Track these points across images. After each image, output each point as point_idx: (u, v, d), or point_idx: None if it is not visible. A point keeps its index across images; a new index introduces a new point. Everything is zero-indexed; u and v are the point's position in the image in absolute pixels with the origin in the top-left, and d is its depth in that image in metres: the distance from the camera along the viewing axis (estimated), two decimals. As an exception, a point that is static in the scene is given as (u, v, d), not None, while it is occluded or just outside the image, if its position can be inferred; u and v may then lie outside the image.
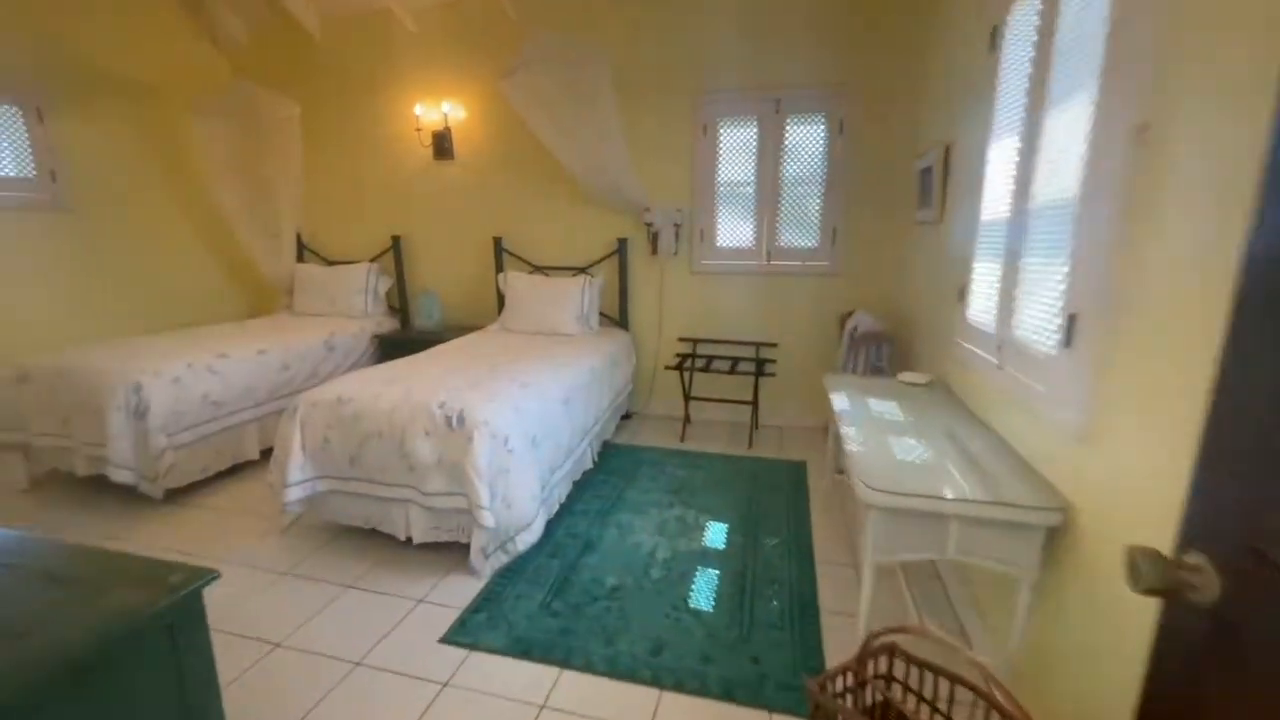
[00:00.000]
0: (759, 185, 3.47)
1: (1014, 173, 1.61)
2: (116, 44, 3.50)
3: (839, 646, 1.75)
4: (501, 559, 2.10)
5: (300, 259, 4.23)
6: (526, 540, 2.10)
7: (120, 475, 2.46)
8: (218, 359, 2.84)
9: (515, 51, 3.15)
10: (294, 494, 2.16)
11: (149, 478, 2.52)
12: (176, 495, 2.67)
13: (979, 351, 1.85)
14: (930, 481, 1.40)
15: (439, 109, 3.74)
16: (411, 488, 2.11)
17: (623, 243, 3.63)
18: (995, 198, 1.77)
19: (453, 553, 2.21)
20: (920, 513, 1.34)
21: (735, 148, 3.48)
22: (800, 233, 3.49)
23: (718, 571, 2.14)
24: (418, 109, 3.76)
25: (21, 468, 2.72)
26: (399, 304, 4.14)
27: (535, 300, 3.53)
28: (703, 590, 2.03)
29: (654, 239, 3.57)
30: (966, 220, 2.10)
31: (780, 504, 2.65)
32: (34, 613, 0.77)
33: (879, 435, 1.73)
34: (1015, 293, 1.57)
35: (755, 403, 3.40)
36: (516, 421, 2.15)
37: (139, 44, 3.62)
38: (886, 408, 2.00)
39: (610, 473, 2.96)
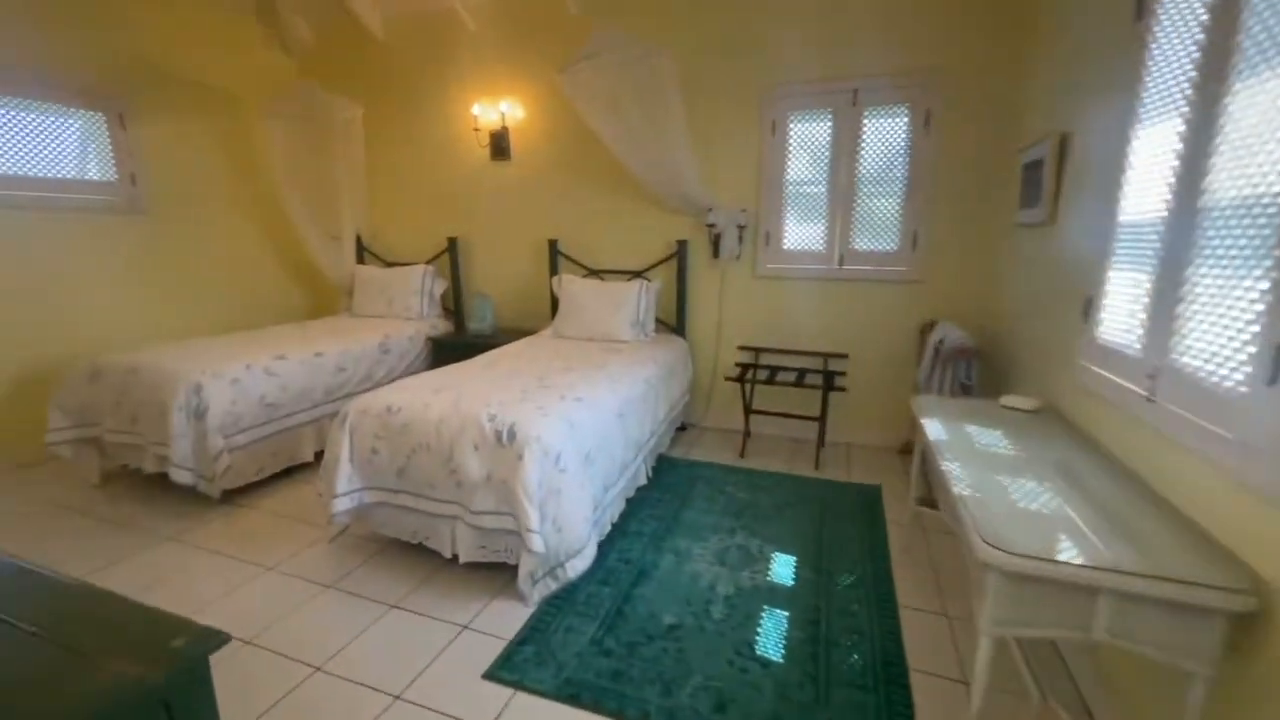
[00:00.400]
0: (831, 184, 3.20)
1: (1175, 163, 1.32)
2: (193, 52, 3.61)
3: (933, 716, 1.51)
4: (550, 585, 1.95)
5: (360, 260, 4.26)
6: (578, 568, 1.95)
7: (180, 475, 2.47)
8: (275, 360, 2.84)
9: (575, 47, 3.02)
10: (341, 505, 2.09)
11: (207, 478, 2.53)
12: (233, 496, 2.68)
13: (1115, 378, 1.56)
14: (1063, 538, 1.15)
15: (497, 108, 3.67)
16: (458, 504, 2.00)
17: (682, 245, 3.45)
18: (1143, 193, 1.48)
19: (500, 575, 2.09)
20: (1059, 582, 1.09)
21: (806, 144, 3.23)
22: (877, 235, 3.20)
23: (786, 613, 1.92)
24: (476, 109, 3.70)
25: (94, 462, 2.80)
26: (454, 306, 4.11)
27: (589, 305, 3.39)
28: (770, 635, 1.81)
29: (715, 241, 3.37)
30: (1093, 221, 1.80)
31: (853, 535, 2.40)
32: (12, 683, 0.65)
33: (989, 474, 1.47)
34: (1177, 310, 1.28)
35: (823, 419, 3.14)
36: (569, 437, 2.00)
37: (214, 51, 3.72)
38: (991, 438, 1.73)
39: (665, 490, 2.78)
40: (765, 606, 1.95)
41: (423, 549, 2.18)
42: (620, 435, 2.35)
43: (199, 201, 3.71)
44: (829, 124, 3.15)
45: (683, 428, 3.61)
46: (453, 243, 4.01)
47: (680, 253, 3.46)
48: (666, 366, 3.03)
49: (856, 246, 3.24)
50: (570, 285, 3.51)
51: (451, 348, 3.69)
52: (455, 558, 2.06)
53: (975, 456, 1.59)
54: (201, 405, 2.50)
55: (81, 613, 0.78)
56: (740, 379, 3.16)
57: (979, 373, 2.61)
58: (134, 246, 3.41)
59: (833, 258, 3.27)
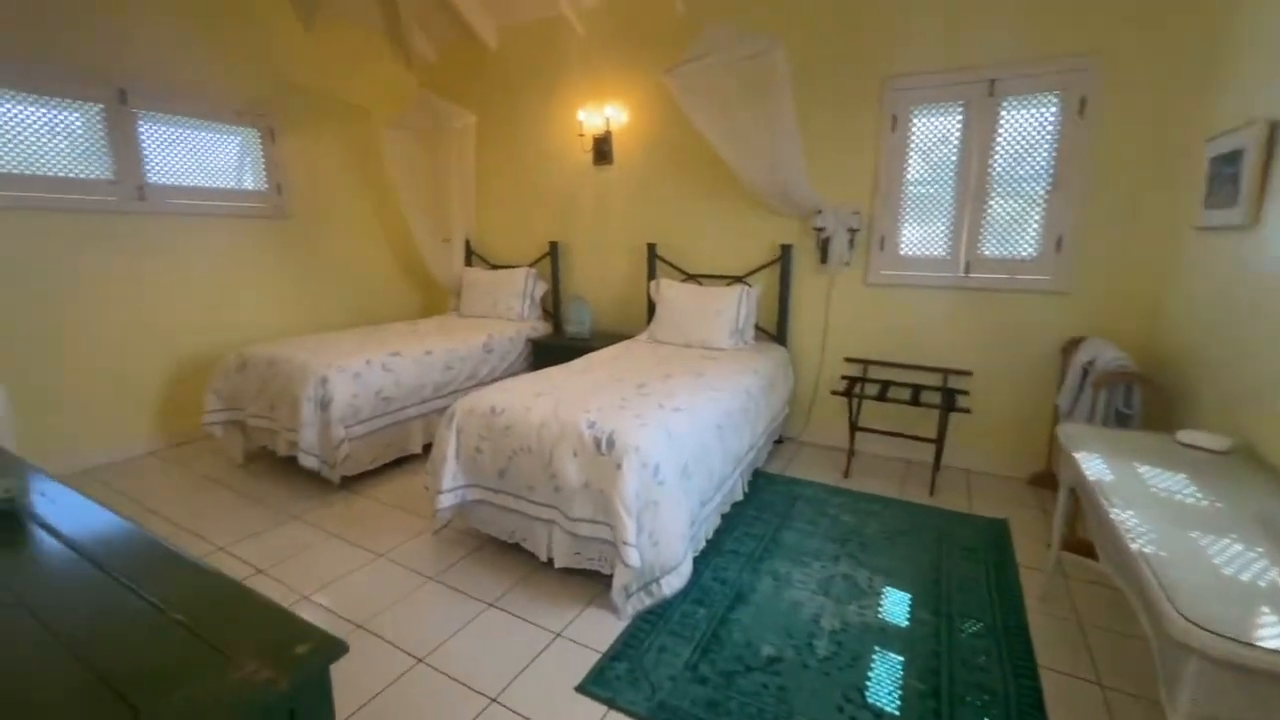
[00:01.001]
0: (960, 184, 2.91)
1: None
2: (331, 70, 3.94)
3: (1090, 808, 1.28)
4: (644, 600, 1.90)
5: (468, 263, 4.47)
6: (673, 585, 1.88)
7: (307, 460, 2.68)
8: (391, 357, 3.02)
9: (683, 47, 2.96)
10: (446, 500, 2.16)
11: (329, 464, 2.72)
12: (350, 482, 2.87)
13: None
14: (1298, 624, 0.91)
15: (601, 113, 3.69)
16: (556, 509, 1.99)
17: (786, 250, 3.28)
18: None
19: (594, 583, 2.06)
20: (1291, 679, 0.86)
21: (931, 140, 2.96)
22: (1012, 240, 2.87)
23: (901, 658, 1.73)
24: (581, 114, 3.75)
25: (239, 443, 3.11)
26: (553, 309, 4.19)
27: (687, 310, 3.31)
28: (883, 682, 1.64)
29: (824, 246, 3.17)
30: (1319, 225, 1.47)
31: (978, 575, 2.14)
32: (159, 671, 0.68)
33: (1177, 529, 1.22)
34: None
35: (940, 441, 2.86)
36: (668, 449, 1.93)
37: (347, 69, 4.04)
38: (1171, 482, 1.46)
39: (763, 508, 2.65)
40: (876, 648, 1.78)
41: (520, 549, 2.20)
42: (719, 448, 2.25)
43: (330, 207, 4.05)
44: (959, 117, 2.87)
45: (780, 441, 3.44)
46: (554, 246, 4.09)
47: (784, 258, 3.30)
48: (767, 377, 2.89)
49: (986, 252, 2.92)
50: (668, 290, 3.45)
51: (550, 350, 3.76)
52: (550, 561, 2.06)
53: (1154, 504, 1.34)
54: (326, 397, 2.69)
55: (221, 605, 0.81)
56: (847, 393, 2.95)
57: (1141, 401, 2.25)
58: (278, 248, 3.78)
59: (957, 264, 2.97)
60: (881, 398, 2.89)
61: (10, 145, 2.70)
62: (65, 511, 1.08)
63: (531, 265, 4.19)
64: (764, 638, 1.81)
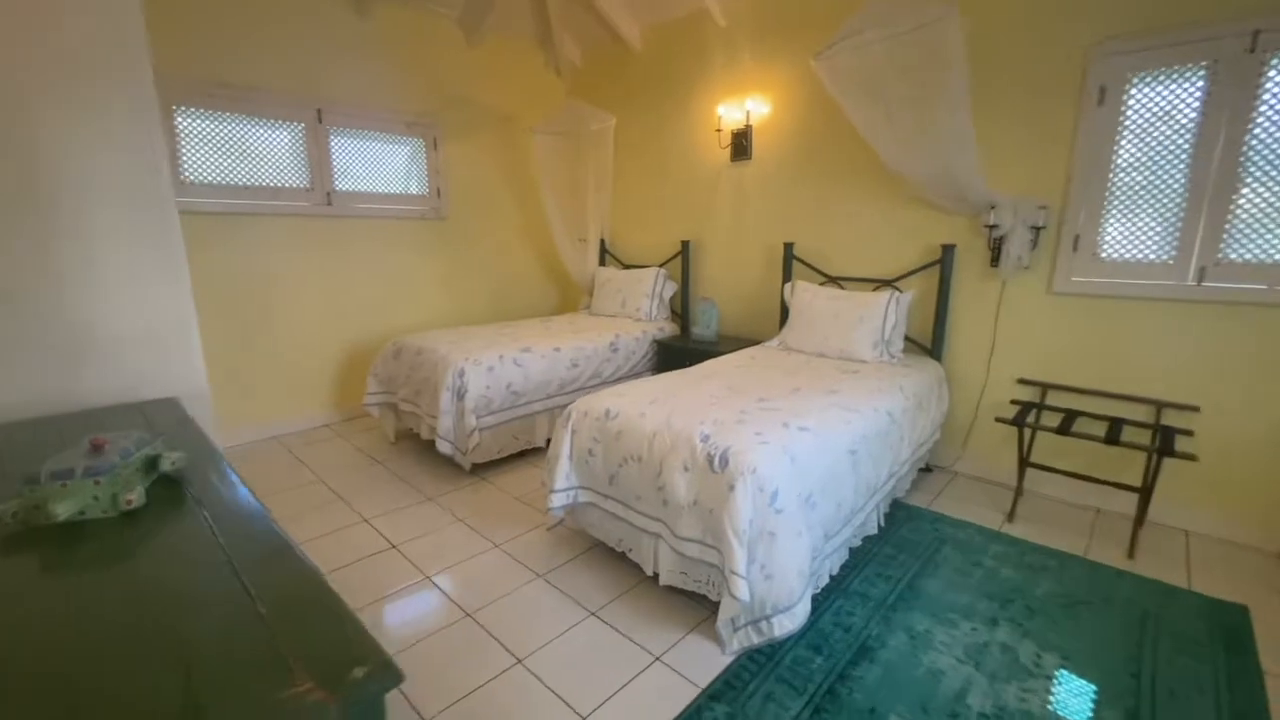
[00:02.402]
0: (1195, 168, 2.29)
1: None
2: (488, 80, 4.22)
3: None
4: (752, 638, 1.72)
5: (602, 262, 4.54)
6: (785, 626, 1.68)
7: (443, 446, 2.87)
8: (522, 353, 3.13)
9: (831, 29, 2.68)
10: (558, 500, 2.16)
11: (462, 451, 2.89)
12: (478, 469, 3.03)
13: None
14: None
15: (741, 106, 3.51)
16: (663, 523, 1.89)
17: (947, 250, 2.85)
18: None
19: (699, 607, 1.93)
20: None
21: (1153, 115, 2.37)
22: (1270, 241, 2.20)
23: (1079, 770, 1.37)
24: (720, 109, 3.60)
25: (391, 424, 3.44)
26: (682, 310, 4.10)
27: (825, 316, 3.02)
28: (1052, 797, 1.30)
29: (996, 246, 2.70)
30: None
31: (1201, 679, 1.64)
32: (231, 661, 0.68)
33: None
34: None
35: (1147, 490, 2.28)
36: (790, 474, 1.73)
37: (502, 78, 4.30)
38: None
39: (901, 546, 2.31)
40: (1043, 749, 1.43)
41: (627, 559, 2.14)
42: (851, 476, 1.99)
43: (481, 209, 4.35)
44: (1200, 83, 2.25)
45: (927, 469, 3.01)
46: (685, 246, 4.00)
47: (944, 260, 2.87)
48: (915, 397, 2.52)
49: (1231, 256, 2.27)
50: (804, 293, 3.18)
51: (675, 352, 3.68)
52: (656, 576, 1.97)
53: None
54: (463, 388, 2.86)
55: (302, 605, 0.81)
56: (1018, 421, 2.48)
57: None
58: (436, 247, 4.13)
59: (1185, 271, 2.35)
60: (1065, 430, 2.38)
61: (240, 160, 3.22)
62: (217, 490, 1.20)
63: (662, 265, 4.14)
64: (892, 706, 1.54)
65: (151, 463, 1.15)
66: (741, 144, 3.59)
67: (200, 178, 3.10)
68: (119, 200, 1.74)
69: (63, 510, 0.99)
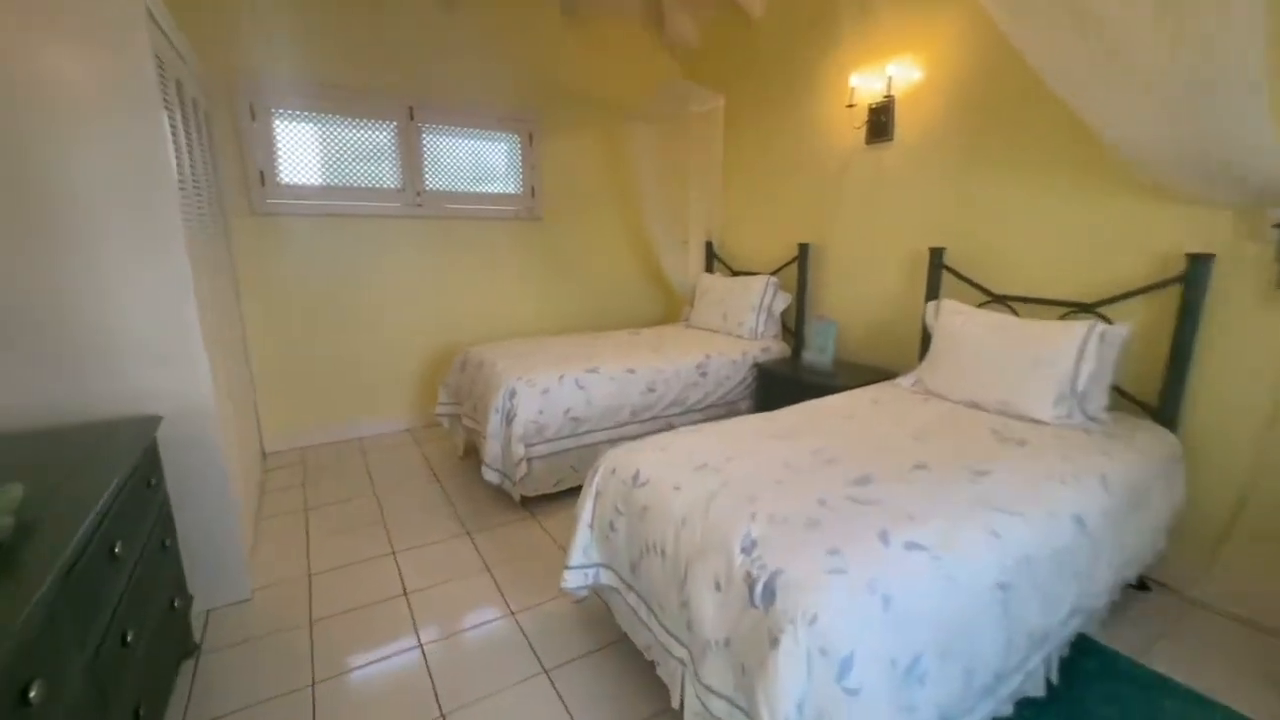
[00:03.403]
0: None
1: None
2: (591, 68, 3.86)
3: None
4: None
5: (709, 268, 3.98)
6: None
7: (489, 475, 2.55)
8: (587, 374, 2.71)
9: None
10: (573, 579, 1.68)
11: (511, 480, 2.55)
12: (530, 503, 2.67)
13: None
14: None
15: (882, 73, 2.73)
16: (688, 652, 1.32)
17: (1199, 263, 1.86)
18: None
19: (733, 782, 1.32)
20: None
21: None
22: None
23: None
24: (854, 80, 2.85)
25: (460, 437, 3.23)
26: (796, 327, 3.40)
27: (983, 351, 2.17)
28: None
29: (1295, 258, 1.67)
30: None
31: None
32: None
33: None
34: None
35: None
36: (880, 628, 1.07)
37: (608, 65, 3.92)
38: None
39: (1086, 712, 1.47)
40: None
41: (654, 672, 1.59)
42: (997, 627, 1.24)
43: (578, 209, 4.02)
44: None
45: (1142, 586, 2.03)
46: (803, 250, 3.29)
47: (1191, 277, 1.88)
48: (1126, 489, 1.63)
49: None
50: (953, 316, 2.34)
51: (778, 381, 3.01)
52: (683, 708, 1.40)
53: None
54: (512, 411, 2.51)
55: None
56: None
57: None
58: (529, 249, 3.89)
59: None
60: None
61: (339, 162, 3.22)
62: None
63: (774, 273, 3.47)
64: None
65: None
66: (880, 121, 2.80)
67: (295, 179, 3.13)
68: (123, 213, 1.61)
69: None
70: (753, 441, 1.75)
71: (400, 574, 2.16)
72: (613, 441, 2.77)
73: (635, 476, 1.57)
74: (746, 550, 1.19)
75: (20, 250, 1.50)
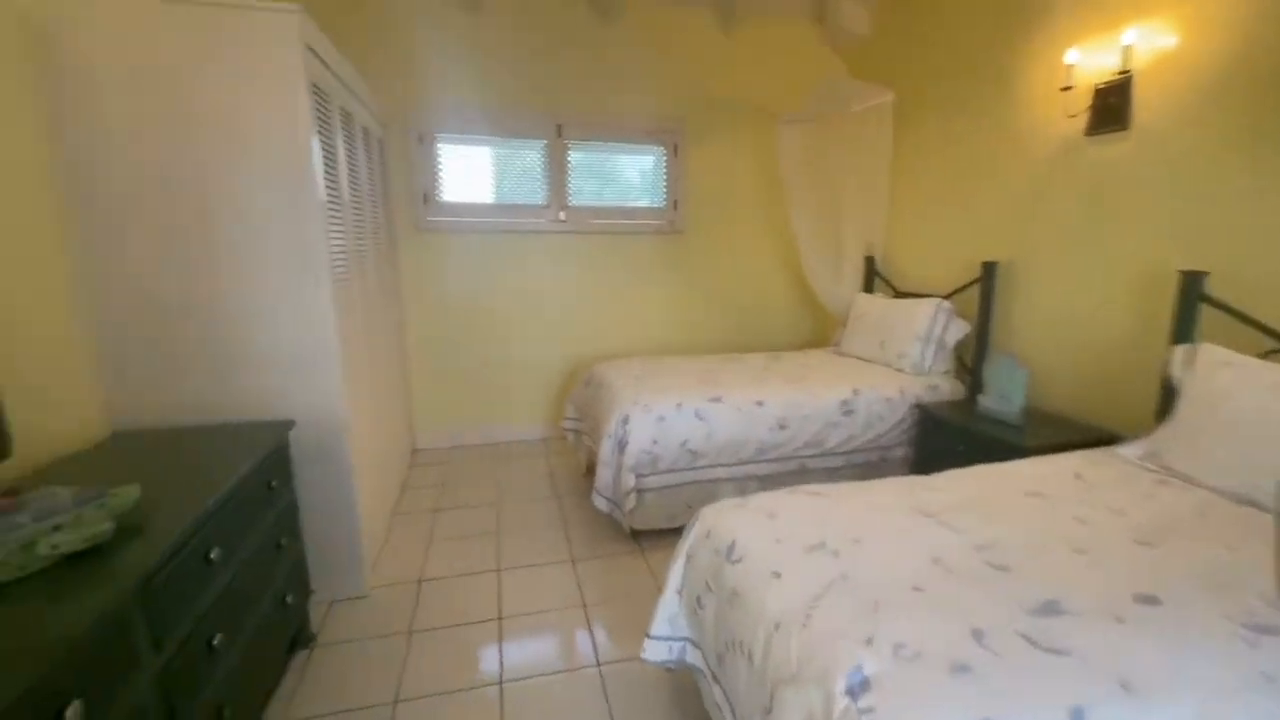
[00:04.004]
0: None
1: None
2: (745, 73, 3.61)
3: None
4: None
5: (869, 287, 3.49)
6: None
7: (599, 502, 2.43)
8: (709, 403, 2.47)
9: None
10: (654, 651, 1.46)
11: (621, 510, 2.41)
12: (640, 537, 2.50)
13: None
14: None
15: (1113, 45, 2.10)
16: (772, 794, 1.02)
17: None
18: None
19: None
20: None
21: None
22: None
23: None
24: (1071, 56, 2.24)
25: (584, 453, 3.19)
26: (973, 364, 2.80)
27: (1274, 424, 1.50)
28: None
29: None
30: None
31: None
32: None
33: None
34: None
35: None
36: None
37: (761, 68, 3.63)
38: None
39: None
40: None
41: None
42: None
43: (723, 222, 3.79)
44: None
45: None
46: (989, 270, 2.68)
47: None
48: None
49: None
50: (1221, 370, 1.67)
51: (945, 428, 2.48)
52: None
53: None
54: (625, 438, 2.36)
55: None
56: None
57: None
58: (669, 264, 3.76)
59: None
60: None
61: (492, 181, 3.40)
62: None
63: (948, 296, 2.90)
64: None
65: (26, 547, 0.94)
66: (1109, 105, 2.15)
67: (453, 198, 3.35)
68: (278, 231, 1.76)
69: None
70: (895, 517, 1.37)
71: (500, 595, 2.12)
72: (736, 481, 2.51)
73: (729, 549, 1.30)
74: (853, 693, 0.87)
75: (189, 263, 1.70)
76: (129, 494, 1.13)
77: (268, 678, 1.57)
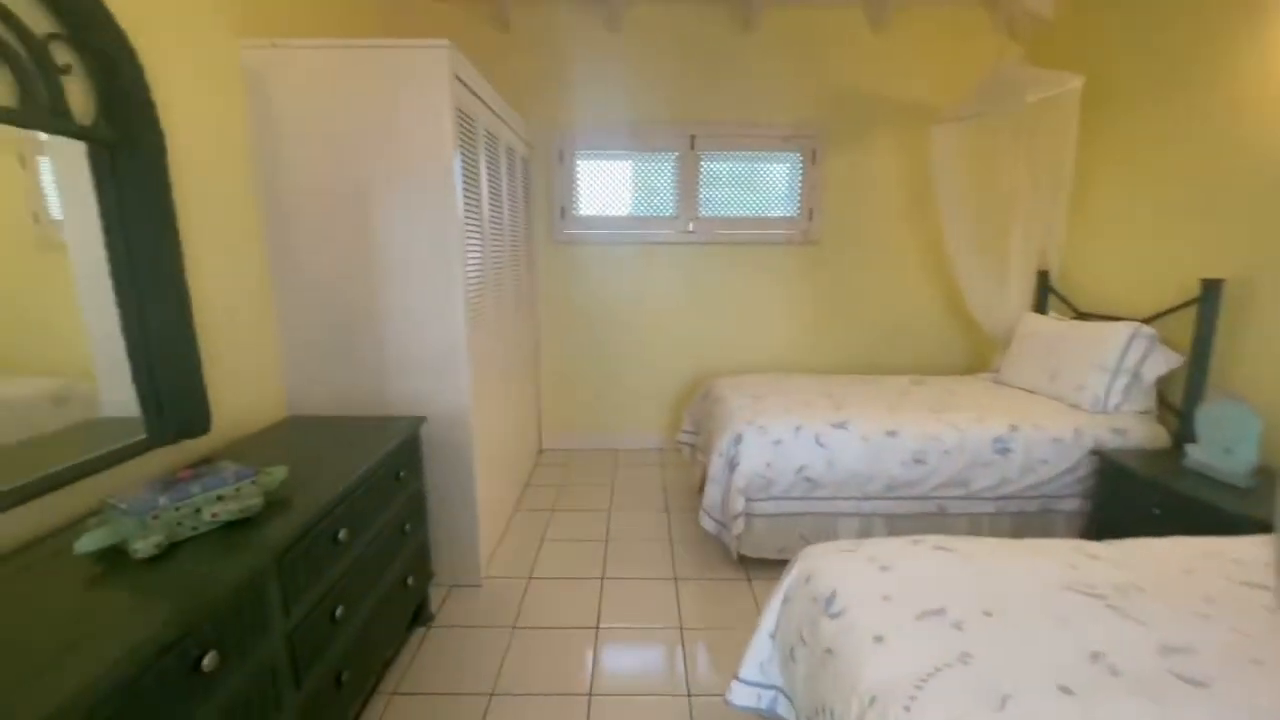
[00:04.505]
0: None
1: None
2: (894, 70, 3.31)
3: None
4: None
5: (1039, 306, 3.00)
6: None
7: (706, 522, 2.35)
8: (832, 429, 2.27)
9: None
10: (741, 695, 1.35)
11: (729, 532, 2.31)
12: (747, 564, 2.37)
13: None
14: None
15: None
16: None
17: None
18: None
19: None
20: None
21: None
22: None
23: None
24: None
25: (700, 469, 3.12)
26: (1183, 406, 2.26)
27: None
28: None
29: None
30: None
31: None
32: None
33: None
34: None
35: None
36: None
37: (915, 64, 3.29)
38: None
39: None
40: None
41: None
42: None
43: (862, 231, 3.50)
44: None
45: None
46: (1211, 289, 2.14)
47: None
48: None
49: None
50: None
51: (1135, 483, 2.03)
52: None
53: None
54: (736, 458, 2.26)
55: None
56: None
57: None
58: (800, 276, 3.56)
59: None
60: None
61: (624, 194, 3.49)
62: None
63: (1148, 320, 2.38)
64: None
65: (195, 512, 1.11)
66: None
67: (587, 212, 3.49)
68: (423, 246, 1.95)
69: (85, 543, 1.01)
70: (1048, 589, 1.13)
71: (600, 604, 2.13)
72: (861, 517, 2.29)
73: (829, 599, 1.16)
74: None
75: (351, 274, 1.95)
76: (277, 474, 1.30)
77: (386, 649, 1.72)
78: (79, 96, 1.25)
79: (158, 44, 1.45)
